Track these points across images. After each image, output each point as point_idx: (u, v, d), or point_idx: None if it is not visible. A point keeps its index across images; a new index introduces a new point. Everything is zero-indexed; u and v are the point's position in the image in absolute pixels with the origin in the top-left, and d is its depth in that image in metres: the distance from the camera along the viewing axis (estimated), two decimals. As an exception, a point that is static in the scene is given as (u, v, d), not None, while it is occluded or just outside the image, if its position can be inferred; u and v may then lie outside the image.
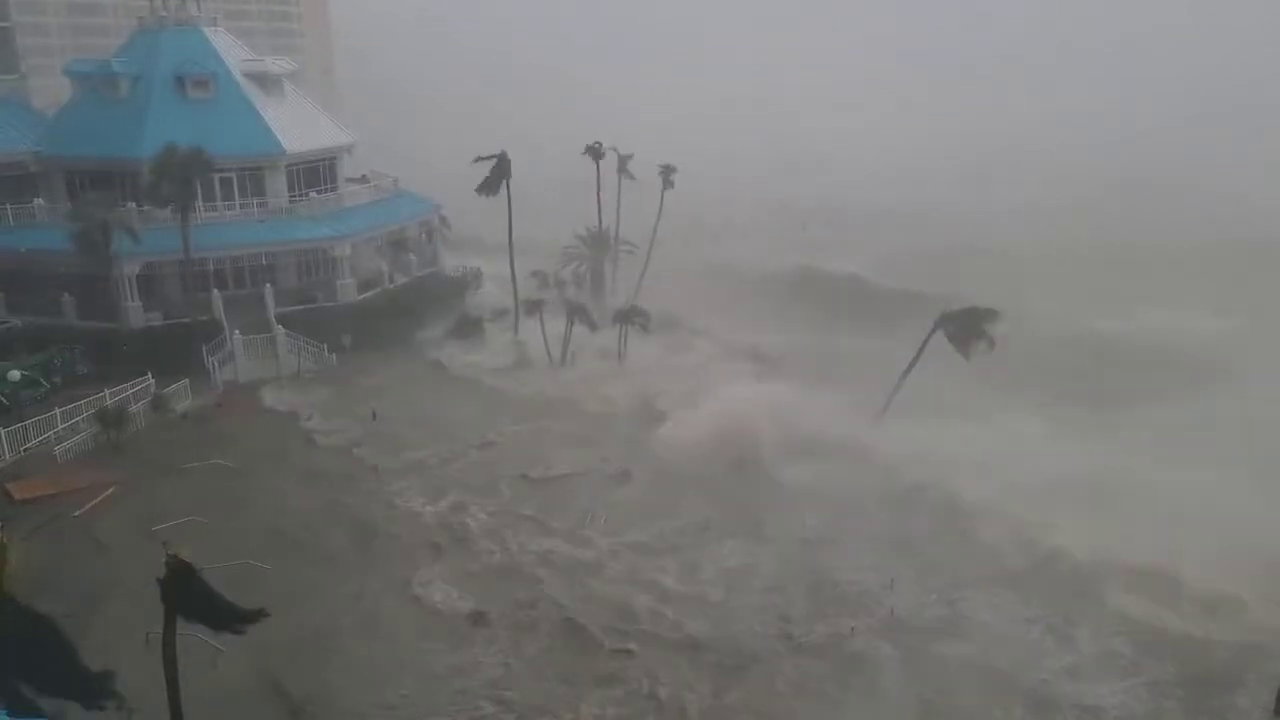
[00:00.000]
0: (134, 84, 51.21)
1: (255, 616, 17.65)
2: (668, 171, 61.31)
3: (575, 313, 48.07)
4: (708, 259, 63.45)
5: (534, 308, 48.43)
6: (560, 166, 62.15)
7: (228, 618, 17.85)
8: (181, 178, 43.91)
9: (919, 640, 24.93)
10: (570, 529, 31.06)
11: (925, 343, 37.60)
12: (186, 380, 41.84)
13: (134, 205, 46.04)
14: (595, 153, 59.82)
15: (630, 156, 61.40)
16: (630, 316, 47.53)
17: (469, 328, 51.87)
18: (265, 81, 53.53)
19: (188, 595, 17.39)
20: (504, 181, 51.28)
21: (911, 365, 37.85)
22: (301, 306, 48.37)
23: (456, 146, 59.98)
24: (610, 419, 40.30)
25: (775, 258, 64.04)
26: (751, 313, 53.09)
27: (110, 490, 32.70)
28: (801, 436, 35.37)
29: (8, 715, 14.71)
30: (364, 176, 57.78)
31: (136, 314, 45.77)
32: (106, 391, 38.80)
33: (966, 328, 36.56)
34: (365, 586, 27.59)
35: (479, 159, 51.56)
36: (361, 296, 50.40)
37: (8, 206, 47.86)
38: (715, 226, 75.46)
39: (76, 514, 31.09)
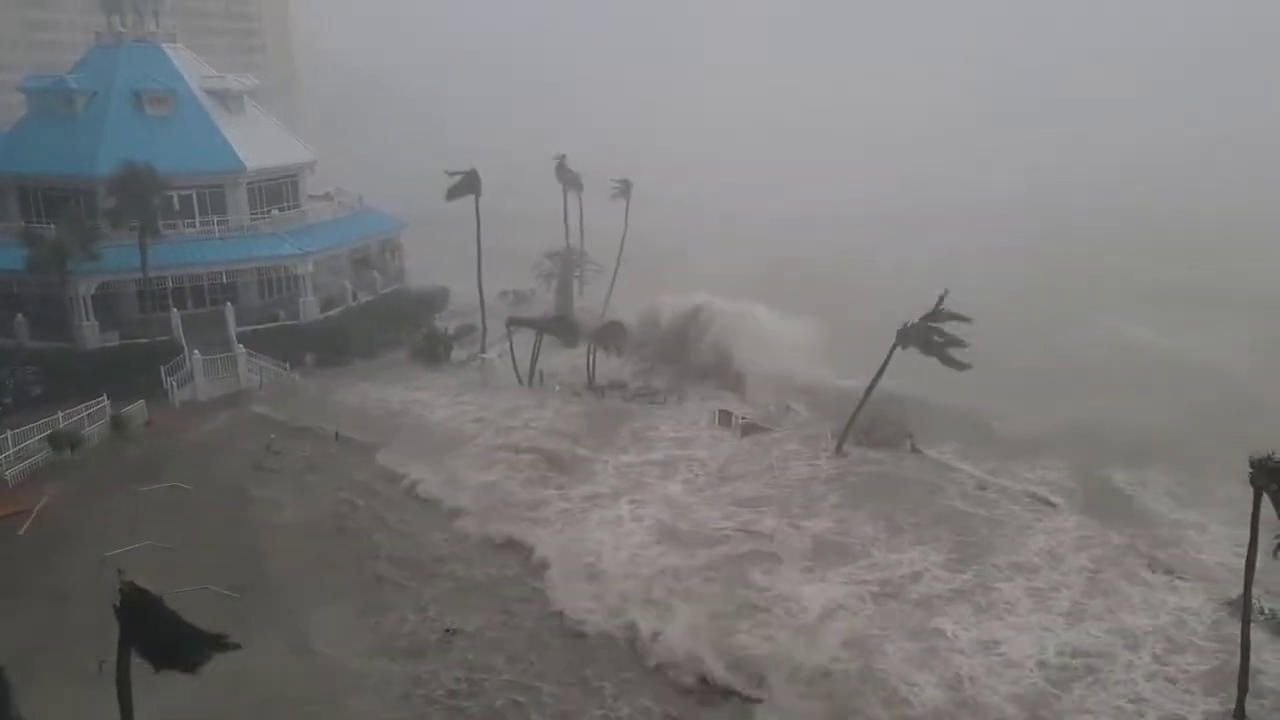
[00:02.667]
0: (90, 100, 50.37)
1: (221, 645, 16.90)
2: (625, 186, 61.57)
3: (549, 328, 47.40)
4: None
5: (515, 324, 47.63)
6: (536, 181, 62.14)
7: (190, 648, 17.16)
8: (139, 200, 43.14)
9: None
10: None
11: (885, 363, 36.98)
12: (143, 401, 40.95)
13: (90, 223, 45.10)
14: (562, 170, 60.19)
15: (580, 173, 61.68)
16: (606, 337, 46.47)
17: (435, 346, 51.27)
18: (226, 98, 52.92)
19: (144, 625, 16.79)
20: (474, 195, 50.92)
21: (869, 392, 37.35)
22: (263, 325, 47.62)
23: (423, 163, 59.40)
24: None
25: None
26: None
27: (44, 502, 32.34)
28: None
29: None
30: (327, 194, 57.23)
31: (92, 334, 44.77)
32: (60, 414, 37.84)
33: (929, 337, 36.26)
34: (327, 609, 26.97)
35: (451, 174, 51.15)
36: (325, 314, 49.76)
37: (-42, 225, 46.85)
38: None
39: (20, 532, 30.46)
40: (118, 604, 16.77)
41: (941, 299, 36.32)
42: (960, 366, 35.93)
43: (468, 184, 50.79)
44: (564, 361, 48.61)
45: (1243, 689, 21.50)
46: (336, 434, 39.57)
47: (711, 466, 37.13)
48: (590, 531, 31.59)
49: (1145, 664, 24.26)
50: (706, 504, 33.83)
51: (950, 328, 36.42)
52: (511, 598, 27.89)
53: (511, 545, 30.84)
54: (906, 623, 26.06)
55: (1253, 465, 20.13)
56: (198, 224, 48.96)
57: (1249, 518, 20.74)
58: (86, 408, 38.92)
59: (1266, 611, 25.39)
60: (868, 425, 38.46)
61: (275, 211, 51.04)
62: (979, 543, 30.62)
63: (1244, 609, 21.73)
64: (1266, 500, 20.25)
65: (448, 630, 25.98)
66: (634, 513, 33.07)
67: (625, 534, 31.55)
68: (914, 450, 38.41)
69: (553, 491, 34.88)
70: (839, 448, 37.96)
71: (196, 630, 16.80)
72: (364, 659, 24.85)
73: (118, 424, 39.24)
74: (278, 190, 52.61)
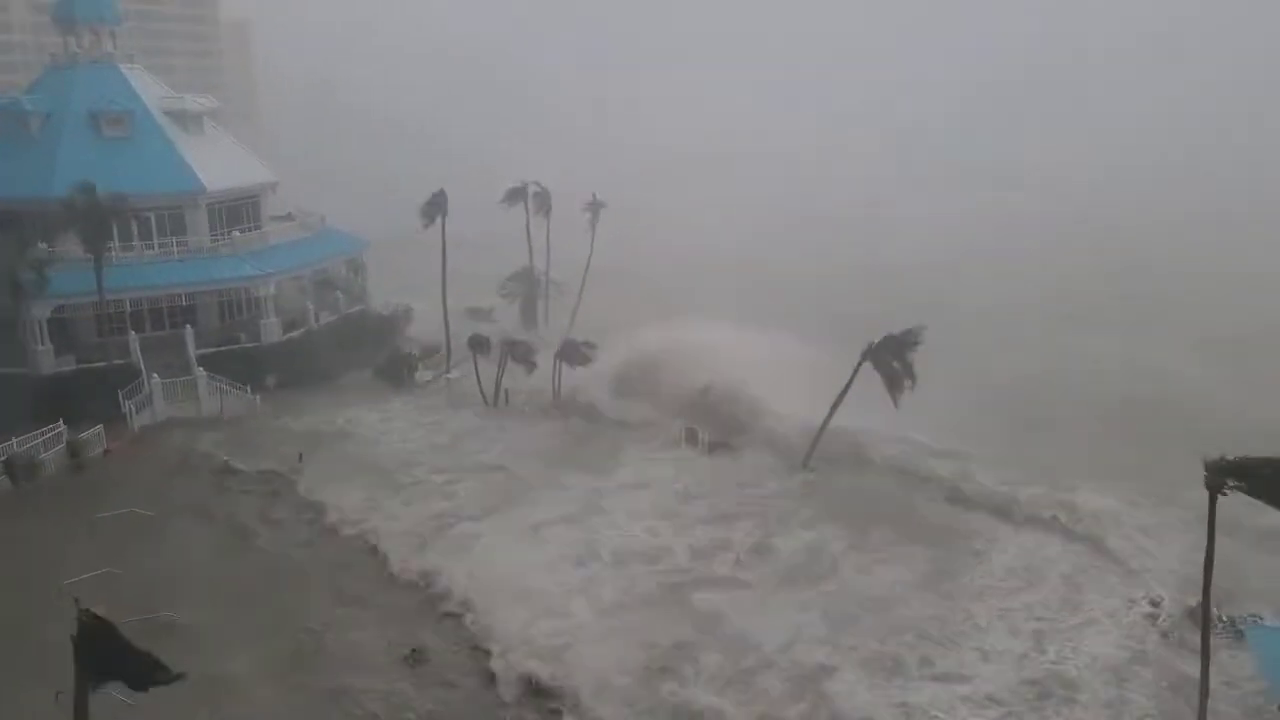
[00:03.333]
0: (46, 121, 49.71)
1: (169, 675, 16.58)
2: (596, 205, 61.82)
3: (511, 351, 47.27)
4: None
5: (478, 344, 47.31)
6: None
7: (144, 672, 16.85)
8: (95, 221, 42.52)
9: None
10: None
11: (848, 385, 37.15)
12: (101, 426, 40.22)
13: (44, 246, 44.45)
14: (519, 194, 60.54)
15: (545, 192, 61.82)
16: (571, 353, 46.34)
17: (399, 367, 50.92)
18: (185, 119, 52.47)
19: (103, 654, 16.46)
20: (440, 217, 50.97)
21: (833, 411, 37.51)
22: (224, 348, 47.03)
23: (391, 183, 59.35)
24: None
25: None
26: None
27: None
28: None
29: None
30: (289, 214, 56.83)
31: (47, 358, 43.97)
32: (14, 440, 37.06)
33: (892, 362, 36.45)
34: (288, 634, 26.62)
35: (426, 204, 51.60)
36: (286, 336, 49.24)
37: (-91, 248, 45.79)
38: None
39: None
40: (74, 634, 16.49)
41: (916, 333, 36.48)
42: (896, 397, 36.18)
43: (435, 205, 50.92)
44: (532, 381, 48.36)
45: (1204, 695, 21.78)
46: (300, 456, 39.12)
47: (677, 486, 36.83)
48: (537, 561, 30.54)
49: (1106, 683, 24.05)
50: (670, 526, 33.37)
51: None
52: (436, 636, 26.69)
53: (444, 577, 29.28)
54: (867, 653, 25.36)
55: (1207, 468, 20.34)
56: (156, 246, 48.36)
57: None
58: (42, 433, 38.16)
59: (1225, 619, 25.78)
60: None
61: (236, 233, 50.50)
62: (948, 559, 30.47)
63: (1203, 616, 21.97)
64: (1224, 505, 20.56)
65: (413, 651, 25.65)
66: (588, 539, 32.26)
67: (573, 562, 30.58)
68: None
69: (507, 515, 34.07)
70: (805, 463, 38.13)
71: (149, 657, 16.52)
72: (300, 687, 24.48)
73: (74, 450, 38.50)
74: (238, 211, 52.12)
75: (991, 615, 27.32)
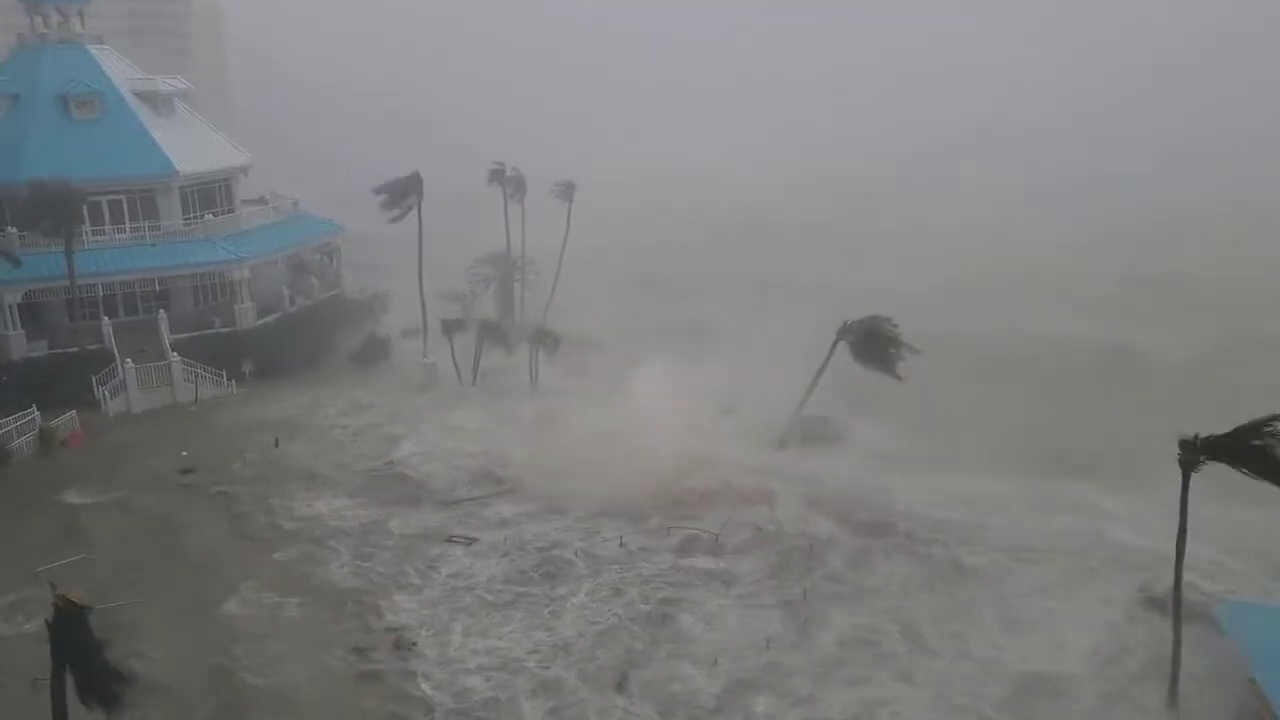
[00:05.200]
0: (13, 104, 48.84)
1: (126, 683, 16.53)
2: (568, 189, 61.36)
3: (486, 332, 47.28)
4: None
5: (451, 327, 47.23)
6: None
7: (106, 677, 16.73)
8: (59, 209, 41.87)
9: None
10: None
11: (825, 364, 37.05)
12: (74, 412, 39.82)
13: (14, 230, 43.87)
14: (499, 175, 60.00)
15: (520, 176, 61.42)
16: (541, 339, 46.78)
17: (374, 352, 50.62)
18: (156, 101, 51.72)
19: (75, 640, 16.42)
20: (415, 201, 50.48)
21: (810, 390, 37.47)
22: (199, 333, 46.62)
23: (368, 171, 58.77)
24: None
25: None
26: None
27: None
28: None
29: None
30: (262, 198, 56.28)
31: (18, 344, 43.44)
32: (-14, 425, 36.74)
33: (872, 341, 36.07)
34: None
35: (378, 191, 50.34)
36: (261, 321, 48.85)
37: (-126, 232, 45.04)
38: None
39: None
40: (50, 619, 16.46)
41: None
42: (896, 374, 35.64)
43: (408, 187, 50.36)
44: (504, 363, 48.24)
45: (1175, 671, 22.12)
46: (276, 441, 38.91)
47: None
48: (491, 560, 29.79)
49: (1090, 668, 23.87)
50: (654, 509, 32.93)
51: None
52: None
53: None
54: (850, 656, 24.52)
55: (1181, 446, 20.55)
56: (128, 229, 47.79)
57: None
58: (15, 419, 37.77)
59: (1200, 595, 25.96)
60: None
61: (209, 216, 49.97)
62: (932, 540, 30.12)
63: (1174, 595, 22.22)
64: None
65: (406, 644, 25.39)
66: (557, 527, 31.62)
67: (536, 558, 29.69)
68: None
69: (485, 505, 33.75)
70: (782, 444, 38.17)
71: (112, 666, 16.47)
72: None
73: (47, 436, 38.11)
74: (211, 194, 51.52)
75: (972, 604, 26.70)
